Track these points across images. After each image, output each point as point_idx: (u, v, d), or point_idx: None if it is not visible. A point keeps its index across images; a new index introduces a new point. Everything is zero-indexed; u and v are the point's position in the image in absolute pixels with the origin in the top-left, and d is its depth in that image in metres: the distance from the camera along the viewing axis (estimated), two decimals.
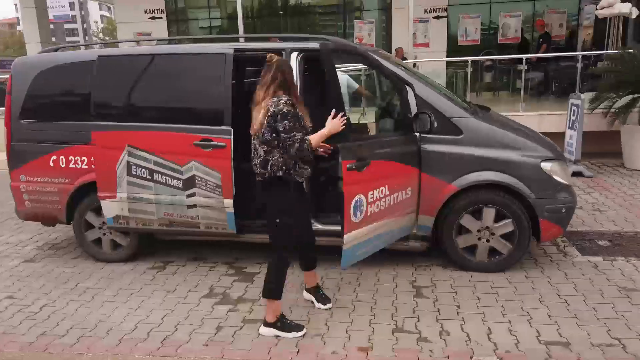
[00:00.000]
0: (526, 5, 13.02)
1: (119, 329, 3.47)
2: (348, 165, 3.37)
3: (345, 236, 3.44)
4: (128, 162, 4.17)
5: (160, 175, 4.16)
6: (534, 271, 4.11)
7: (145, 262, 4.59)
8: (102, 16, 71.45)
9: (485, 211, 4.02)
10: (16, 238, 5.44)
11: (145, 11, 13.81)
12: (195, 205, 4.16)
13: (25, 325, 3.55)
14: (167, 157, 4.11)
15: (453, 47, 13.18)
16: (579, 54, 8.71)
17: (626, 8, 8.39)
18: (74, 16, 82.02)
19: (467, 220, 4.06)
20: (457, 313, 3.49)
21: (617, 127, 7.71)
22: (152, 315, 3.64)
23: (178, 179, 4.13)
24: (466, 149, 3.95)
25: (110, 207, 4.33)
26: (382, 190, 3.65)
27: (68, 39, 63.74)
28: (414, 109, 3.92)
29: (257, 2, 14.64)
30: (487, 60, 11.41)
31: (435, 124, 3.87)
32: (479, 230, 4.06)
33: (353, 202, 3.42)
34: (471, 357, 2.97)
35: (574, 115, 7.40)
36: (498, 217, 4.02)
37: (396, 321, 3.42)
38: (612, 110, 7.52)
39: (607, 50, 9.35)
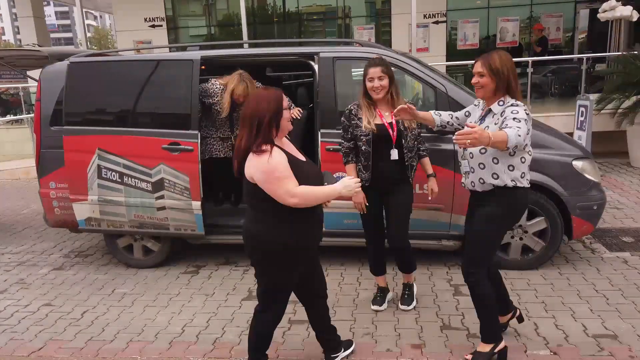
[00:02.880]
0: (523, 10, 13.23)
1: (166, 332, 3.47)
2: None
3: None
4: (98, 165, 4.26)
5: (130, 178, 4.25)
6: (567, 268, 4.19)
7: (177, 267, 4.59)
8: (88, 25, 71.13)
9: None
10: (39, 247, 5.39)
11: (145, 19, 13.77)
12: (164, 207, 4.26)
13: (70, 332, 3.54)
14: (136, 160, 4.22)
15: (452, 51, 13.32)
16: (584, 56, 8.88)
17: (627, 11, 8.57)
18: (59, 25, 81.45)
19: None
20: None
21: (624, 127, 7.86)
22: (196, 318, 3.65)
23: (147, 181, 4.22)
24: None
25: (82, 210, 4.38)
26: None
27: None
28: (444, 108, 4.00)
29: (257, 8, 14.69)
30: None
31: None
32: (511, 229, 4.13)
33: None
34: (525, 352, 3.03)
35: (582, 116, 7.52)
36: (530, 216, 4.10)
37: (442, 319, 3.47)
38: (620, 110, 7.68)
39: (609, 52, 9.53)
